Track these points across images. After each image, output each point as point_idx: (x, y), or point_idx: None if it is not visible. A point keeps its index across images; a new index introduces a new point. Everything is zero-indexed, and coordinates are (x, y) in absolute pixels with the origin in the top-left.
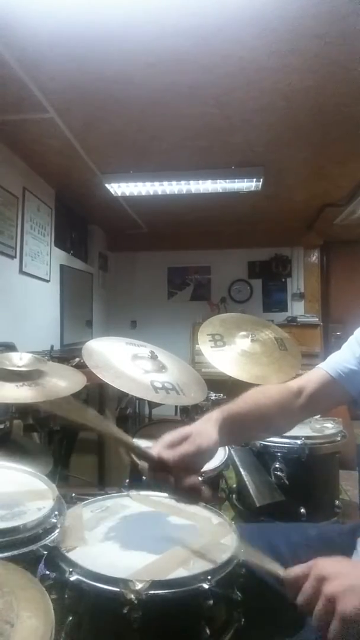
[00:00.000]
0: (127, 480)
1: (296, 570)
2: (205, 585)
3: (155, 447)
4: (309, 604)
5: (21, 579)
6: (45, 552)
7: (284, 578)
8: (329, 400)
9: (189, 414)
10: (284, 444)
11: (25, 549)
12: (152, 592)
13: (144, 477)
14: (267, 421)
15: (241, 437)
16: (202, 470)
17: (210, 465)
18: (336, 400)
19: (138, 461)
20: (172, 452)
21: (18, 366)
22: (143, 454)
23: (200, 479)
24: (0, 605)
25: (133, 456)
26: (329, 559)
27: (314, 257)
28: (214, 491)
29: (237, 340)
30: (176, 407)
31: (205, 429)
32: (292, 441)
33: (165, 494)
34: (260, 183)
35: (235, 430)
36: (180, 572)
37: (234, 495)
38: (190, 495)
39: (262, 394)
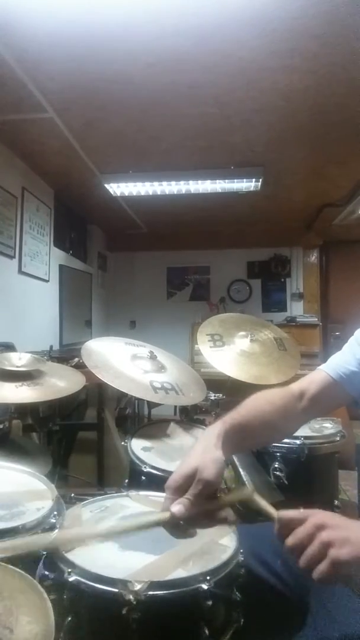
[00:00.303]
0: (127, 481)
1: (291, 513)
2: (204, 586)
3: (166, 502)
4: (300, 545)
5: (20, 582)
6: (45, 553)
7: (277, 517)
8: (330, 402)
9: (188, 414)
10: (283, 444)
11: (25, 550)
12: (151, 592)
13: (145, 468)
14: (271, 427)
15: (246, 446)
16: None
17: None
18: (337, 401)
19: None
20: (184, 504)
21: (17, 366)
22: (158, 521)
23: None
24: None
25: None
26: (327, 512)
27: (313, 257)
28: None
29: (236, 341)
30: (175, 407)
31: (208, 458)
32: (292, 441)
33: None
34: (260, 183)
35: (240, 441)
36: (179, 573)
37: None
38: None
39: (264, 400)
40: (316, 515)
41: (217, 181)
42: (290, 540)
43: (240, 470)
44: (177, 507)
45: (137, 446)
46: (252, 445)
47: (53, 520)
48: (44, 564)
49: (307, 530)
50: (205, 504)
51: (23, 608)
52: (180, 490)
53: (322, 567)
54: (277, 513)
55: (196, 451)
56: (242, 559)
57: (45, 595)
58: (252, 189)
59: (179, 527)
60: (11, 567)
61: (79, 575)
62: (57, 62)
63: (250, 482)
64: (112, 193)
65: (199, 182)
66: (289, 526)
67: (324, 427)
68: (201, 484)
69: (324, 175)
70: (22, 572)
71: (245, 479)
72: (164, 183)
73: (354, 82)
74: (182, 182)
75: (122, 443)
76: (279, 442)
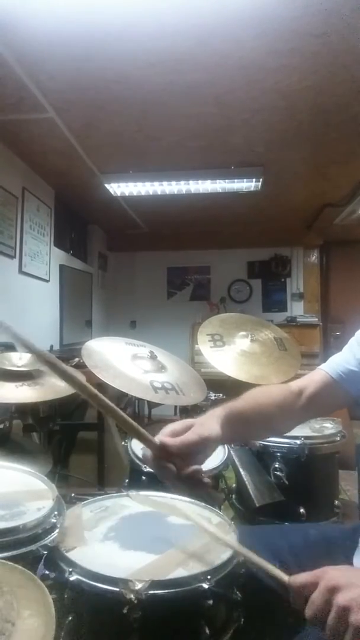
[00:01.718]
0: (127, 480)
1: (302, 577)
2: (205, 585)
3: (159, 435)
4: (320, 614)
5: (21, 577)
6: (45, 552)
7: (289, 585)
8: (329, 401)
9: (188, 414)
10: (284, 444)
11: (25, 549)
12: (151, 592)
13: (145, 468)
14: (268, 420)
15: (243, 434)
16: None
17: (209, 465)
18: (337, 401)
19: (141, 446)
20: (175, 440)
21: (17, 366)
22: (146, 439)
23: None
24: (0, 604)
25: (138, 438)
26: (337, 568)
27: (314, 257)
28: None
29: (236, 340)
30: (175, 407)
31: (208, 421)
32: (292, 441)
33: (165, 494)
34: (260, 183)
35: (238, 427)
36: (180, 572)
37: (233, 496)
38: (191, 485)
39: (263, 393)
40: (328, 576)
41: (217, 181)
42: (309, 612)
43: (241, 470)
44: (168, 439)
45: (138, 446)
46: (249, 435)
47: (53, 520)
48: (45, 564)
49: (322, 596)
50: (191, 458)
51: (23, 602)
52: (175, 433)
53: (348, 639)
54: (288, 580)
55: (197, 419)
56: (243, 558)
57: (45, 588)
58: (252, 189)
59: (161, 462)
60: (10, 563)
61: (80, 575)
62: (57, 62)
63: (251, 484)
64: (113, 193)
65: (199, 182)
66: (302, 593)
67: (324, 427)
68: (196, 434)
69: (325, 175)
70: (22, 568)
71: (245, 479)
72: (164, 183)
73: (354, 82)
74: (182, 182)
75: (123, 443)
76: (278, 441)
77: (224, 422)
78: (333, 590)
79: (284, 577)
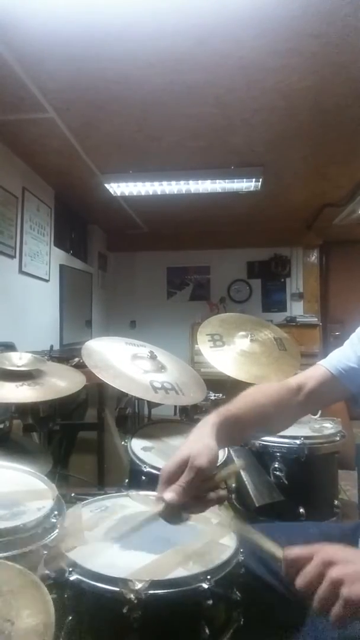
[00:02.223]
0: (127, 480)
1: (297, 551)
2: (205, 585)
3: (159, 490)
4: (310, 585)
5: (19, 577)
6: (45, 552)
7: (283, 557)
8: (328, 397)
9: (188, 413)
10: (283, 443)
11: (25, 549)
12: (151, 591)
13: (145, 468)
14: (266, 419)
15: (240, 437)
16: None
17: None
18: (336, 396)
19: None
20: (176, 491)
21: (18, 366)
22: (151, 516)
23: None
24: None
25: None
26: (333, 545)
27: (313, 257)
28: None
29: (236, 340)
30: (175, 407)
31: (201, 445)
32: (292, 441)
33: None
34: (260, 183)
35: (234, 432)
36: (180, 572)
37: (233, 496)
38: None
39: (260, 391)
40: (323, 551)
41: (217, 181)
42: (300, 582)
43: (241, 470)
44: (170, 495)
45: (137, 446)
46: (246, 436)
47: (53, 520)
48: (45, 563)
49: (316, 568)
50: (198, 490)
51: (23, 601)
52: (173, 477)
53: (337, 609)
54: (282, 552)
55: (190, 440)
56: (243, 558)
57: (44, 587)
58: (252, 189)
59: (173, 513)
60: (9, 563)
61: (80, 574)
62: (57, 62)
63: (250, 484)
64: (113, 193)
65: (199, 182)
66: (296, 565)
67: (324, 427)
68: (193, 470)
69: (324, 175)
70: (20, 567)
71: (245, 479)
72: (164, 183)
73: (354, 82)
74: (182, 182)
75: (123, 443)
76: (278, 441)
77: (219, 430)
78: (328, 564)
79: (279, 551)
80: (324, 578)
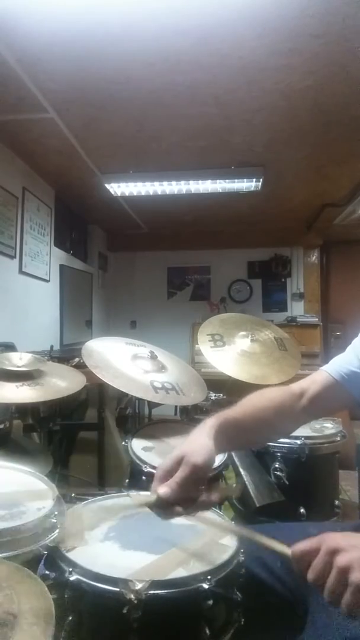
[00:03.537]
0: (127, 480)
1: (304, 545)
2: (205, 585)
3: (154, 485)
4: (321, 578)
5: (17, 573)
6: (45, 552)
7: (291, 554)
8: (331, 402)
9: (188, 414)
10: (284, 444)
11: (25, 549)
12: (151, 592)
13: (145, 468)
14: (267, 425)
15: (241, 441)
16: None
17: None
18: (339, 402)
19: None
20: (170, 486)
21: (18, 366)
22: (146, 503)
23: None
24: (0, 599)
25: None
26: (338, 533)
27: (314, 257)
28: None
29: (236, 340)
30: (176, 407)
31: (197, 444)
32: (292, 441)
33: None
34: (260, 183)
35: (233, 435)
36: (180, 572)
37: (233, 496)
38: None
39: (262, 397)
40: (328, 540)
41: (218, 181)
42: (311, 576)
43: (241, 470)
44: (164, 489)
45: (138, 446)
46: (247, 441)
47: (54, 520)
48: (45, 563)
49: (323, 559)
50: (192, 490)
51: (23, 596)
52: (168, 473)
53: (347, 598)
54: (290, 549)
55: (187, 440)
56: (243, 559)
57: (40, 580)
58: (252, 189)
59: (164, 508)
60: (7, 561)
61: (80, 575)
62: (57, 62)
63: (251, 484)
64: (113, 193)
65: (200, 182)
66: (305, 560)
67: (325, 427)
68: (188, 467)
69: (325, 175)
70: (18, 565)
71: (245, 479)
72: (165, 183)
73: (354, 82)
74: (182, 182)
75: (123, 443)
76: (279, 441)
77: (217, 432)
78: (334, 552)
79: (286, 549)
80: (331, 567)
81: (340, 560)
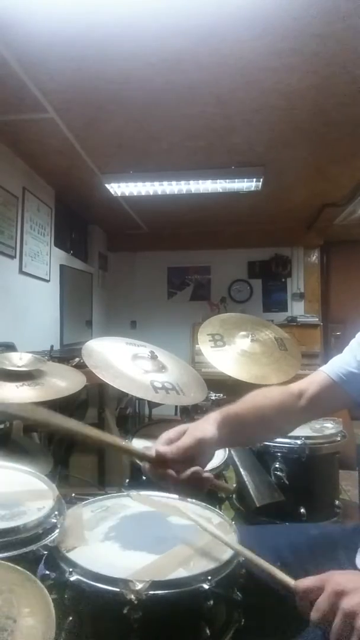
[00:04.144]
0: (127, 480)
1: (308, 582)
2: (206, 586)
3: (154, 445)
4: (325, 618)
5: (17, 576)
6: (45, 552)
7: (294, 589)
8: (330, 403)
9: (189, 414)
10: (284, 443)
11: (25, 549)
12: (152, 592)
13: (144, 477)
14: (267, 422)
15: (241, 437)
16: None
17: (210, 465)
18: (337, 403)
19: (137, 461)
20: (170, 447)
21: (18, 366)
22: (139, 454)
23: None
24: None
25: (132, 457)
26: (343, 573)
27: (314, 257)
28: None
29: (237, 340)
30: (176, 407)
31: (202, 424)
32: (292, 441)
33: (166, 494)
34: (260, 183)
35: (235, 430)
36: (181, 573)
37: (233, 495)
38: (194, 486)
39: (262, 395)
40: (334, 580)
41: (218, 181)
42: (314, 616)
43: (241, 470)
44: (163, 447)
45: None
46: (247, 438)
47: (54, 520)
48: (45, 564)
49: (328, 601)
50: (189, 462)
51: (22, 600)
52: (170, 441)
53: None
54: (294, 584)
55: (192, 424)
56: (243, 559)
57: (40, 584)
58: (252, 188)
59: (157, 470)
60: (6, 563)
61: (80, 575)
62: (57, 62)
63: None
64: (113, 193)
65: (200, 182)
66: (308, 597)
67: (325, 427)
68: (191, 437)
69: (325, 175)
70: (17, 567)
71: (245, 479)
72: (165, 183)
73: (354, 82)
74: (182, 182)
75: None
76: (279, 441)
77: (220, 424)
78: (339, 595)
79: (290, 582)
80: (337, 610)
81: (346, 604)
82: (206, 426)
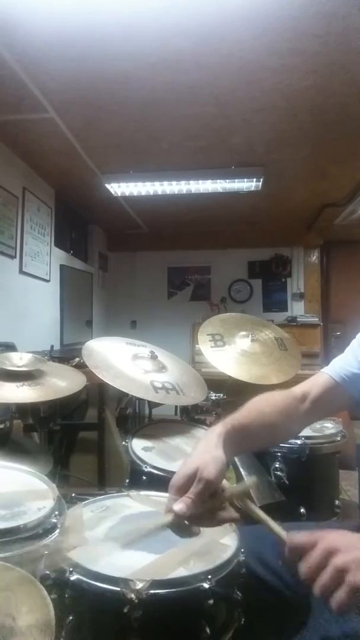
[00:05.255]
0: (127, 480)
1: (301, 537)
2: (206, 585)
3: (169, 502)
4: (314, 572)
5: (15, 576)
6: (45, 552)
7: (287, 543)
8: (333, 404)
9: (189, 413)
10: (284, 444)
11: (26, 549)
12: (152, 591)
13: (145, 468)
14: (272, 429)
15: (247, 447)
16: None
17: None
18: (340, 404)
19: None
20: (185, 503)
21: (18, 366)
22: (163, 524)
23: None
24: None
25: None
26: (336, 531)
27: (314, 257)
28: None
29: (237, 340)
30: (176, 407)
31: (209, 456)
32: (292, 441)
33: (166, 494)
34: (261, 183)
35: (240, 441)
36: (181, 572)
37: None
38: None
39: (265, 402)
40: (327, 538)
41: (218, 181)
42: (303, 568)
43: (241, 470)
44: (180, 506)
45: (138, 446)
46: (254, 446)
47: (54, 520)
48: (45, 563)
49: (319, 555)
50: (207, 502)
51: (21, 598)
52: (182, 489)
53: (340, 595)
54: (287, 536)
55: (197, 451)
56: (243, 558)
57: (39, 584)
58: (252, 188)
59: (183, 526)
60: (6, 564)
61: (81, 574)
62: (57, 62)
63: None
64: (113, 193)
65: (200, 182)
66: (299, 551)
67: (325, 427)
68: (202, 483)
69: (325, 175)
70: (14, 567)
71: (246, 479)
72: (165, 183)
73: (354, 81)
74: (182, 182)
75: (123, 443)
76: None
77: (226, 440)
78: (332, 552)
79: (283, 534)
80: (327, 565)
81: (339, 560)
82: (213, 458)
